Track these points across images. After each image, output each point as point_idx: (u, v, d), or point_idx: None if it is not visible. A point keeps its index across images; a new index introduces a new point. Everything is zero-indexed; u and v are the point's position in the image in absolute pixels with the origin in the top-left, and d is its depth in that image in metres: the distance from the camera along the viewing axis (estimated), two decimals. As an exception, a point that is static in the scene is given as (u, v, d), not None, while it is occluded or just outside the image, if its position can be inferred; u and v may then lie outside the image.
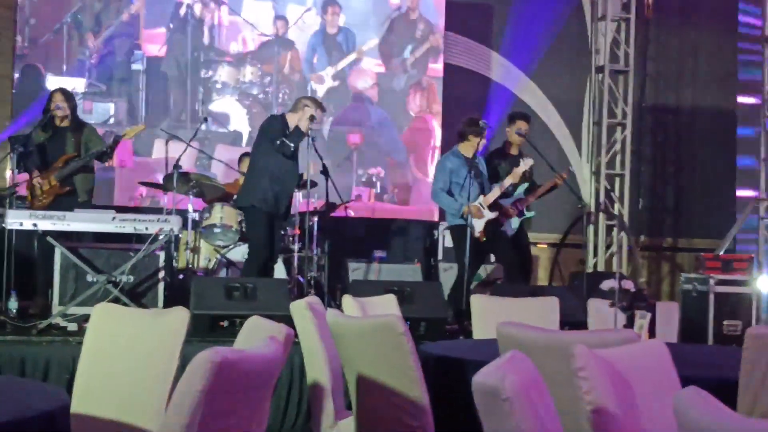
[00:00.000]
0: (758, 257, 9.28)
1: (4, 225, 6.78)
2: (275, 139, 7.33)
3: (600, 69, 10.78)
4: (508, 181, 8.09)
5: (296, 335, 4.42)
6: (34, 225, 6.70)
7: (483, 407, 1.99)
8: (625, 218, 10.51)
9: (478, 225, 7.95)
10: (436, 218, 10.13)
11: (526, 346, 3.43)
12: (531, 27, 10.92)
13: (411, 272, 8.92)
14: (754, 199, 9.73)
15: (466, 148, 8.09)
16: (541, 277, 10.65)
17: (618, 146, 10.73)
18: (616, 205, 10.63)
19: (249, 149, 9.70)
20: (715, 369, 4.15)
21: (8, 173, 8.44)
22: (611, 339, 3.07)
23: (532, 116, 8.73)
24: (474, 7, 10.84)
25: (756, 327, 3.63)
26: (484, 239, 7.99)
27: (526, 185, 8.30)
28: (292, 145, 7.30)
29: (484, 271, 9.26)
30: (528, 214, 8.33)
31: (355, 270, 8.91)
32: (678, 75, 11.36)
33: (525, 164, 8.12)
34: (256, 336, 3.04)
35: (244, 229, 8.37)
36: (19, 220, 6.70)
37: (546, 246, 10.86)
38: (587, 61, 10.94)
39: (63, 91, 7.75)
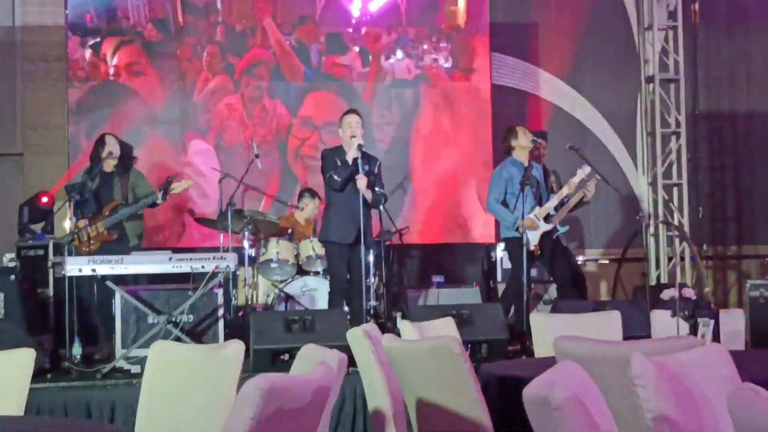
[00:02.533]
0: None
1: (63, 272, 6.88)
2: (325, 174, 7.40)
3: (650, 79, 10.65)
4: (564, 191, 7.89)
5: (355, 364, 4.42)
6: (93, 270, 6.78)
7: (535, 418, 1.95)
8: (686, 228, 10.32)
9: (534, 238, 7.75)
10: (492, 240, 10.03)
11: (584, 359, 3.36)
12: (576, 41, 10.86)
13: (470, 295, 8.86)
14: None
15: (520, 154, 7.93)
16: (604, 293, 10.50)
17: (673, 156, 10.57)
18: (676, 215, 10.46)
19: (306, 185, 9.76)
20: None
21: (67, 222, 8.57)
22: (670, 346, 3.00)
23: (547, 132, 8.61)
24: (519, 26, 10.82)
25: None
26: (539, 252, 7.84)
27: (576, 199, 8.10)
28: (338, 179, 7.29)
29: (542, 290, 9.16)
30: (561, 229, 8.08)
31: (414, 296, 8.87)
32: (730, 80, 11.18)
33: (582, 172, 7.86)
34: (309, 363, 3.03)
35: (300, 263, 8.40)
36: (77, 266, 6.80)
37: (607, 261, 10.71)
38: (636, 72, 10.81)
39: (115, 135, 7.87)
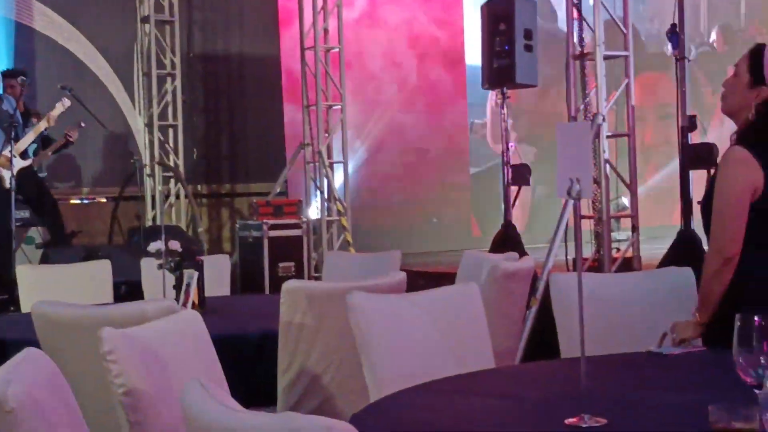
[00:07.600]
0: (306, 199, 9.68)
1: None
2: None
3: (146, 19, 10.62)
4: (42, 125, 8.04)
5: None
6: None
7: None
8: (181, 168, 10.54)
9: (8, 176, 7.66)
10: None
11: (62, 326, 3.33)
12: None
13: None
14: (300, 144, 10.11)
15: None
16: (101, 233, 10.40)
17: (169, 97, 10.69)
18: (171, 156, 10.62)
19: None
20: (264, 321, 4.11)
21: None
22: (149, 312, 3.05)
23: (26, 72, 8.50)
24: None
25: (291, 281, 3.74)
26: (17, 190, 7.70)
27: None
28: None
29: (37, 233, 8.90)
30: (41, 175, 8.31)
31: None
32: (225, 23, 11.49)
33: (62, 105, 8.08)
34: None
35: None
36: None
37: (105, 200, 10.60)
38: (135, 10, 10.71)
39: None
